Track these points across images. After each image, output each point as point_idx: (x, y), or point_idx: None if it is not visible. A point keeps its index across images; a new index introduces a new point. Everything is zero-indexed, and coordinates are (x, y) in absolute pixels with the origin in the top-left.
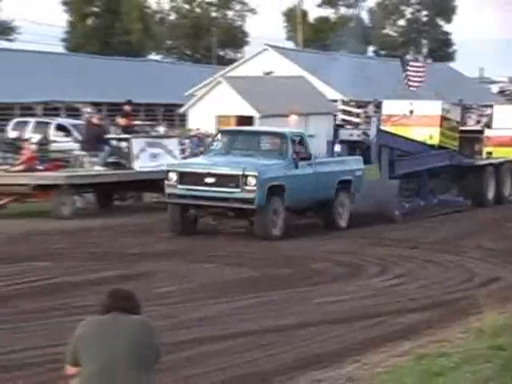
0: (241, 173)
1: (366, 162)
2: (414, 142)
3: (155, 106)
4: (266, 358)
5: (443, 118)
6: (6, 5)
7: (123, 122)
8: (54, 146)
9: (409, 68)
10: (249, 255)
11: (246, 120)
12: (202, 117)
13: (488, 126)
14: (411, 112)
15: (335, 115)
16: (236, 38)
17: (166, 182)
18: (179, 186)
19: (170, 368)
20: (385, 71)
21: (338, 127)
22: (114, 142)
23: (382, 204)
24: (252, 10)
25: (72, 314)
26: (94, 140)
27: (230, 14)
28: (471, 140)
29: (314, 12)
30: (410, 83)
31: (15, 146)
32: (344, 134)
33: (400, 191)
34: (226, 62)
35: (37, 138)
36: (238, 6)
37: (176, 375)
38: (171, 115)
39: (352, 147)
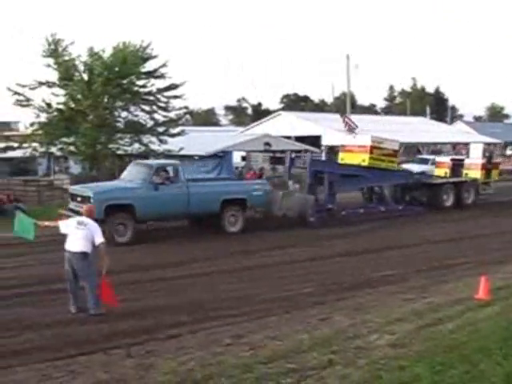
0: (86, 194)
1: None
2: (346, 166)
3: None
4: None
5: (373, 147)
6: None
7: None
8: None
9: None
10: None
11: None
12: None
13: (468, 156)
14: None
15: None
16: None
17: (68, 199)
18: (71, 202)
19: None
20: None
21: (293, 158)
22: None
23: (302, 213)
24: None
25: None
26: None
27: None
28: (459, 165)
29: None
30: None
31: None
32: (298, 162)
33: (315, 204)
34: None
35: None
36: None
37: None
38: None
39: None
